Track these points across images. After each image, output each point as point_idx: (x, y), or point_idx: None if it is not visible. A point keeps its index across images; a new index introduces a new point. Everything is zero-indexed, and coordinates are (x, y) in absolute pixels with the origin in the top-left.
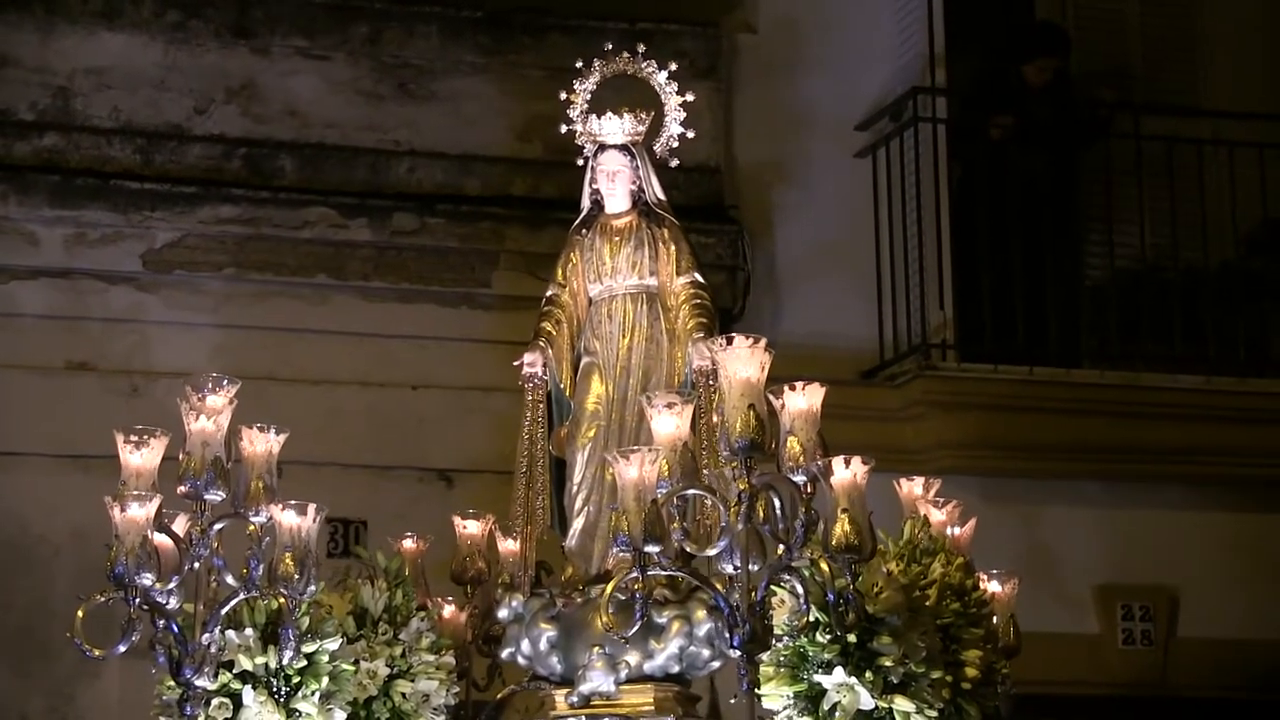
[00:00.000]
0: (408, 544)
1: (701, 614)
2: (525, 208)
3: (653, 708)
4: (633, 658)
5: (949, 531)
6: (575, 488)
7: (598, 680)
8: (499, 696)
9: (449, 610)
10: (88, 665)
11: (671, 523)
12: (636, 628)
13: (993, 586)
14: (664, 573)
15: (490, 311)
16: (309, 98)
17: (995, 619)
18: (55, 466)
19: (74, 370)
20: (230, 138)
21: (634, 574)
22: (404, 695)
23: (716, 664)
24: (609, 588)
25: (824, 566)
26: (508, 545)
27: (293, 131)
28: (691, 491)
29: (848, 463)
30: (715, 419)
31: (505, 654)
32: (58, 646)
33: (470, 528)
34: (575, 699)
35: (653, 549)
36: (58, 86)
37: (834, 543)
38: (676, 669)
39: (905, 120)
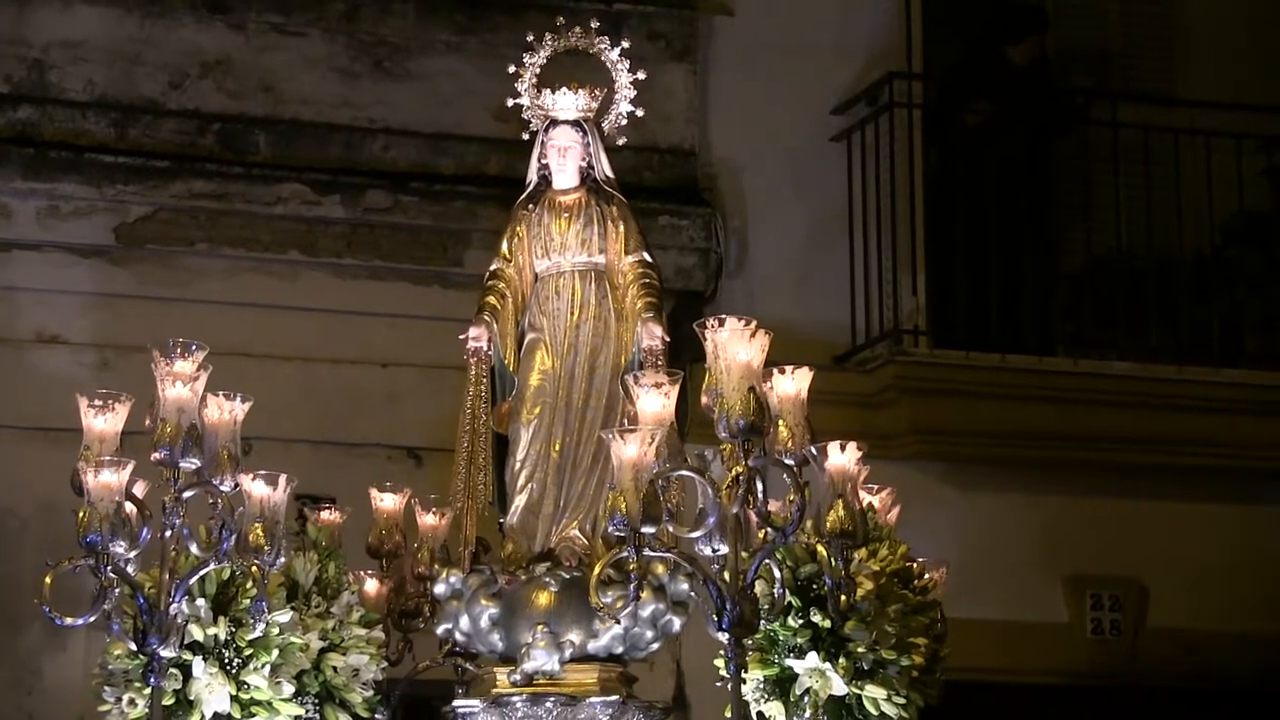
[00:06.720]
0: (325, 515)
1: (646, 595)
2: (499, 187)
3: (597, 688)
4: (576, 637)
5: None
6: (518, 465)
7: (541, 659)
8: (412, 672)
9: (371, 585)
10: (54, 638)
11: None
12: (628, 609)
13: None
14: (658, 555)
15: (463, 290)
16: (284, 74)
17: None
18: (24, 438)
19: (45, 343)
20: (205, 113)
21: (628, 553)
22: (335, 669)
23: (657, 645)
24: (599, 566)
25: (821, 551)
26: (426, 520)
27: (267, 108)
28: (681, 472)
29: (842, 448)
30: (705, 400)
31: (442, 630)
32: (24, 619)
33: (387, 501)
34: (518, 677)
35: (649, 529)
36: (33, 59)
37: (829, 527)
38: (619, 650)
39: (881, 105)
